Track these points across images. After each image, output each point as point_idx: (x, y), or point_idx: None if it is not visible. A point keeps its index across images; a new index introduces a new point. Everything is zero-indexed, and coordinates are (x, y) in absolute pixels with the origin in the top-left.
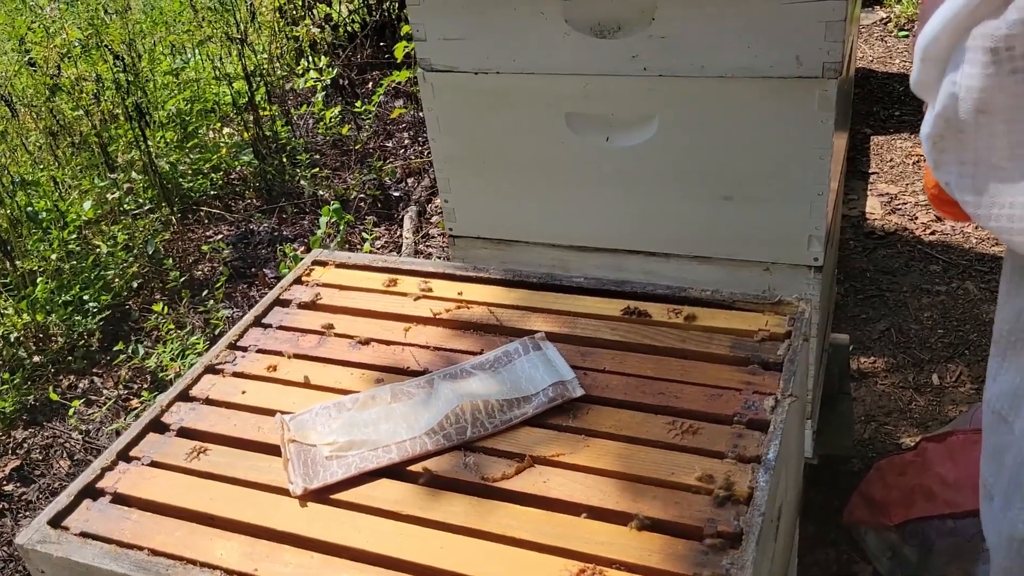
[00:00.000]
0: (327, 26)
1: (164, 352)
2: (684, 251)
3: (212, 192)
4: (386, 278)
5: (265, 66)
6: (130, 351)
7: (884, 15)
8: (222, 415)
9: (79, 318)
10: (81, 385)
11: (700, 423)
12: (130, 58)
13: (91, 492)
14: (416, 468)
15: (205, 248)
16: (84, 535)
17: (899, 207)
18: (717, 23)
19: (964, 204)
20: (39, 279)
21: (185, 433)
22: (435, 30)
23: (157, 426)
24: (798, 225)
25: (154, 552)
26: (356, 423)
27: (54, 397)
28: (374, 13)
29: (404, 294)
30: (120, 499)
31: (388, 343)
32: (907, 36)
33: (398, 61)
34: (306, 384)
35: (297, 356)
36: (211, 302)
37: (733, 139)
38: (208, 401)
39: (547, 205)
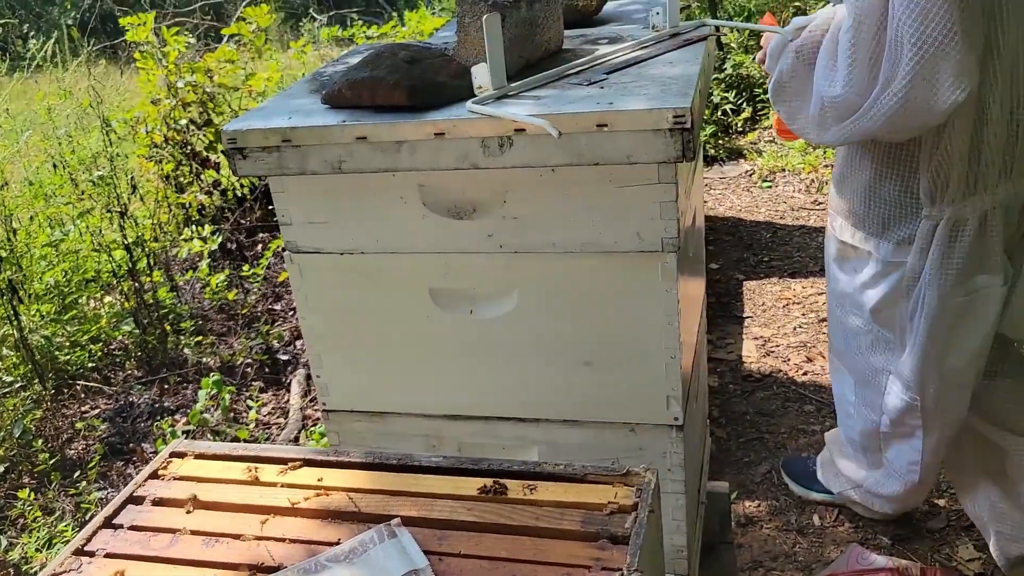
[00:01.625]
0: (215, 191)
1: (29, 542)
2: (553, 416)
3: (90, 364)
4: (247, 467)
5: (147, 235)
6: None
7: (748, 167)
8: None
9: None
10: None
11: None
12: (5, 232)
13: None
14: None
15: (79, 425)
16: None
17: (773, 349)
18: (563, 204)
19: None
20: None
21: None
22: (300, 215)
23: None
24: (656, 387)
25: None
26: None
27: None
28: (264, 177)
29: (264, 483)
30: None
31: (244, 538)
32: (770, 187)
33: None
34: None
35: (147, 559)
36: (83, 483)
37: (588, 309)
38: None
39: (418, 377)
